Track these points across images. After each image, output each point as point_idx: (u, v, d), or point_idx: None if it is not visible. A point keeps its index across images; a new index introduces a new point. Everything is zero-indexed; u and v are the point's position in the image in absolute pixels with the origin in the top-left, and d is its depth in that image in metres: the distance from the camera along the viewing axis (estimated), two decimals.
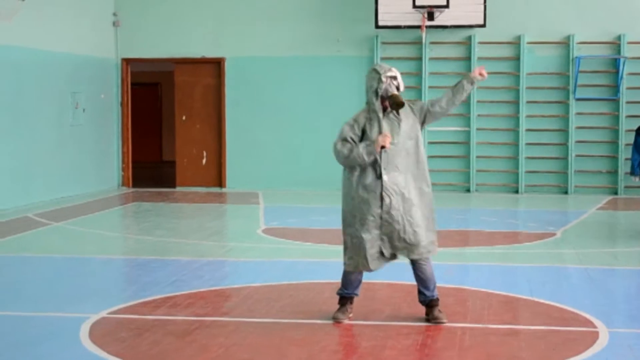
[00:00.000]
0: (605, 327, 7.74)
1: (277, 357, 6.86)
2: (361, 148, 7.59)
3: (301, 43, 19.52)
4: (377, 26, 18.65)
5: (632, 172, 12.89)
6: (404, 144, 7.71)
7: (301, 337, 7.41)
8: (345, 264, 7.86)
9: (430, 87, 18.93)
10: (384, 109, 7.71)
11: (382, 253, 7.69)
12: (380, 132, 7.63)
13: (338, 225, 13.85)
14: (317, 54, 19.48)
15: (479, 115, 18.99)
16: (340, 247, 10.73)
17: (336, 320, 7.78)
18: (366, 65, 19.14)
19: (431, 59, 19.18)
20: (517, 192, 19.00)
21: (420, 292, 7.85)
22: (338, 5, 19.34)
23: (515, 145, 19.01)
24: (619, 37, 18.69)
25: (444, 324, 7.72)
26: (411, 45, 19.22)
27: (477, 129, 18.99)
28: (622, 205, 17.36)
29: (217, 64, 19.80)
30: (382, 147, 7.54)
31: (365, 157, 7.59)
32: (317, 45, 19.48)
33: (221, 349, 7.05)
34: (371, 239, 7.64)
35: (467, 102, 19.05)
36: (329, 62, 19.44)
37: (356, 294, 7.93)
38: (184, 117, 20.08)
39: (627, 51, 18.61)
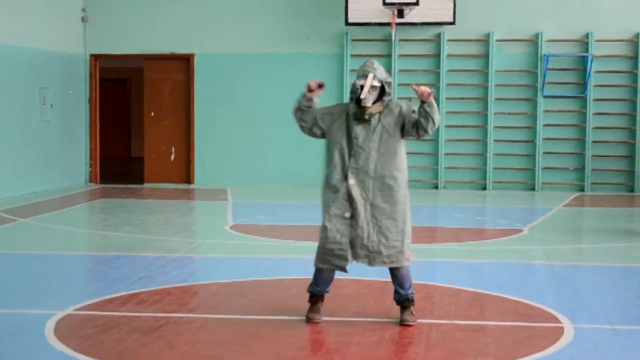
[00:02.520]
0: (570, 322, 7.79)
1: (244, 353, 6.85)
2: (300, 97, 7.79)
3: (271, 39, 19.49)
4: (347, 23, 18.66)
5: None
6: (379, 147, 7.54)
7: (268, 333, 7.40)
8: (315, 260, 7.75)
9: (399, 84, 18.96)
10: (362, 112, 7.51)
11: (337, 257, 7.54)
12: (350, 134, 7.55)
13: (307, 221, 14.02)
14: (286, 51, 19.47)
15: (447, 112, 19.04)
16: (308, 244, 10.76)
17: (310, 320, 7.66)
18: (336, 62, 19.23)
19: (400, 56, 19.20)
20: (484, 188, 19.09)
21: (395, 290, 7.74)
22: (308, 2, 19.33)
23: (484, 142, 19.10)
24: (587, 35, 18.81)
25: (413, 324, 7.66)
26: (381, 43, 19.24)
27: (446, 126, 19.04)
28: (588, 201, 17.48)
29: (186, 60, 19.74)
30: (312, 89, 7.63)
31: (300, 99, 7.77)
32: (287, 41, 19.46)
33: (187, 345, 7.02)
34: (326, 237, 7.54)
35: (435, 99, 19.05)
36: (298, 59, 19.43)
37: (327, 291, 7.84)
38: (152, 113, 20.00)
39: (594, 49, 18.73)
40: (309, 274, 8.02)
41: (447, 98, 19.09)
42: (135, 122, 26.49)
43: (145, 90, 20.15)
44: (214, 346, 7.02)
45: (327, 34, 19.37)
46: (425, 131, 7.52)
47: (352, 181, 7.53)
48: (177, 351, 6.86)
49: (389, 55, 19.18)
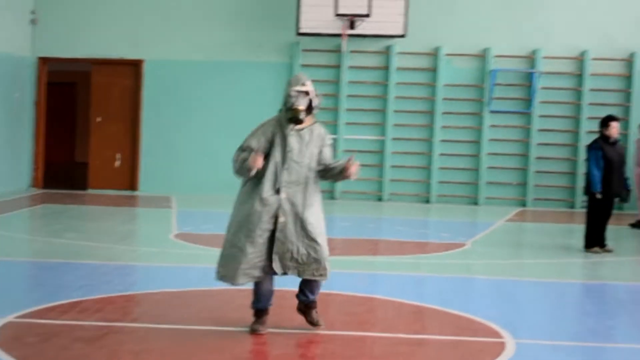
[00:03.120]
0: (512, 337, 7.87)
1: None
2: (243, 162, 7.49)
3: (221, 47, 19.47)
4: (299, 33, 18.72)
5: (593, 188, 12.94)
6: (310, 163, 7.61)
7: (212, 344, 7.39)
8: (217, 271, 7.71)
9: (348, 95, 19.07)
10: (296, 112, 7.55)
11: (262, 270, 7.53)
12: (284, 148, 7.56)
13: None
14: (237, 59, 19.45)
15: (394, 125, 19.17)
16: None
17: (254, 331, 7.65)
18: (286, 71, 19.26)
19: (350, 67, 19.30)
20: (428, 201, 19.23)
21: (302, 292, 7.77)
22: (260, 10, 19.35)
23: (429, 155, 19.25)
24: (534, 52, 19.08)
25: (321, 327, 7.74)
26: (331, 53, 19.33)
27: (393, 139, 19.17)
28: (530, 217, 17.70)
29: (135, 66, 19.64)
30: (253, 169, 7.43)
31: (247, 172, 7.48)
32: (238, 50, 19.46)
33: (131, 355, 6.98)
34: (252, 253, 7.48)
35: (383, 111, 19.23)
36: (248, 68, 19.43)
37: (270, 305, 7.84)
38: (99, 119, 19.86)
39: (541, 65, 18.99)
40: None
41: (394, 111, 19.21)
42: (81, 126, 26.17)
43: (93, 95, 20.00)
44: (158, 356, 6.99)
45: (278, 43, 19.41)
46: (325, 180, 7.82)
47: (283, 195, 7.54)
48: None
49: (339, 66, 19.28)
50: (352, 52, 19.24)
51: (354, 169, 7.66)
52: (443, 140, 19.21)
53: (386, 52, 19.34)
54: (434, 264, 11.85)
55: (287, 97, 7.59)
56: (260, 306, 7.77)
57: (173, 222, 14.95)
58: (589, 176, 13.03)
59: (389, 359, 7.18)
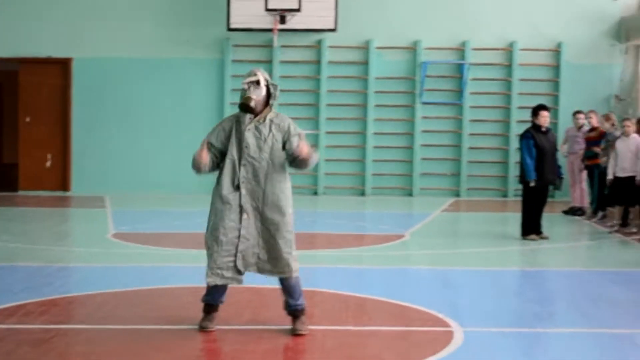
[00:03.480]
0: (460, 326, 7.95)
1: None
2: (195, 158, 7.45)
3: (151, 44, 19.29)
4: (229, 29, 18.63)
5: (527, 177, 13.09)
6: (271, 157, 7.53)
7: (161, 343, 7.32)
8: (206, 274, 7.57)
9: (280, 90, 18.97)
10: (247, 100, 7.45)
11: (231, 270, 7.47)
12: (240, 144, 7.49)
13: (190, 229, 13.93)
14: (167, 56, 19.30)
15: (327, 119, 19.21)
16: (195, 252, 10.72)
17: (203, 328, 7.60)
18: (217, 67, 19.19)
19: (282, 62, 19.28)
20: (363, 194, 19.32)
21: (285, 301, 7.71)
22: (189, 7, 19.21)
23: (362, 148, 19.32)
24: (463, 44, 19.27)
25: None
26: (262, 48, 19.30)
27: (326, 132, 19.20)
28: (464, 206, 17.89)
29: (64, 64, 19.35)
30: (201, 163, 7.40)
31: (196, 167, 7.47)
32: (168, 47, 19.30)
33: (80, 357, 6.89)
34: (221, 252, 7.43)
35: (316, 105, 19.27)
36: (179, 64, 19.30)
37: (222, 302, 7.78)
38: (28, 119, 19.54)
39: (470, 57, 19.20)
40: (198, 282, 7.96)
41: (327, 104, 19.25)
42: (8, 127, 25.72)
43: (21, 95, 19.65)
44: (108, 357, 6.90)
45: (208, 39, 19.30)
46: (297, 169, 7.76)
47: (243, 191, 7.49)
48: None
49: (270, 61, 19.24)
50: (283, 46, 19.22)
51: (304, 149, 7.54)
52: (376, 133, 19.31)
53: (317, 47, 19.37)
54: (375, 256, 11.91)
55: (241, 90, 7.53)
56: (211, 301, 7.71)
57: (109, 221, 14.77)
58: (522, 165, 13.22)
59: (341, 351, 7.20)
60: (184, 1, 19.24)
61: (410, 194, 19.33)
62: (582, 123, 16.21)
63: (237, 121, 7.58)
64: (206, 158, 7.48)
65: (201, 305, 7.80)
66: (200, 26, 19.23)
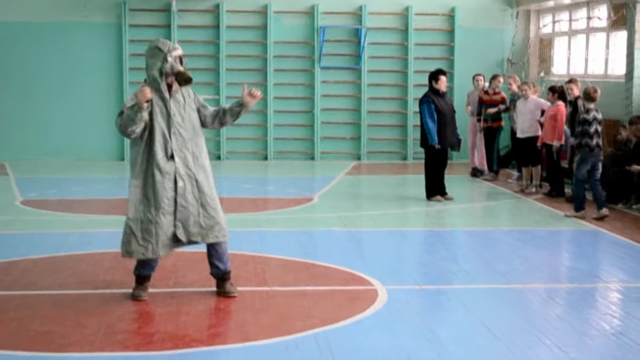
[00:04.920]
0: (382, 284, 8.23)
1: (76, 327, 6.82)
2: (127, 110, 7.34)
3: (47, 8, 18.90)
4: None
5: (431, 140, 13.33)
6: (192, 124, 7.65)
7: (94, 307, 7.39)
8: (128, 252, 7.49)
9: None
10: (169, 88, 7.58)
11: (175, 239, 7.54)
12: (168, 113, 7.52)
13: (100, 195, 13.88)
14: (63, 20, 18.96)
15: (227, 84, 19.22)
16: (109, 217, 10.71)
17: (136, 297, 7.63)
18: (114, 31, 18.97)
19: (180, 27, 19.18)
20: (266, 158, 19.44)
21: (213, 265, 7.80)
22: None
23: (264, 113, 19.40)
24: (360, 8, 19.49)
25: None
26: (159, 13, 19.14)
27: (227, 97, 19.18)
28: (366, 170, 18.18)
29: None
30: (147, 100, 7.32)
31: (135, 115, 7.29)
32: (64, 11, 18.95)
33: (14, 322, 6.93)
34: (165, 223, 7.46)
35: (216, 70, 19.26)
36: (76, 28, 18.98)
37: (153, 272, 7.83)
38: None
39: (368, 21, 19.44)
40: (116, 247, 7.88)
41: (227, 69, 19.26)
42: None
43: None
44: (43, 322, 6.94)
45: (104, 3, 19.03)
46: (223, 125, 7.99)
47: (177, 159, 7.54)
48: (5, 329, 6.75)
49: (169, 26, 19.12)
50: (180, 11, 19.10)
51: (257, 92, 7.78)
52: (277, 98, 19.40)
53: (215, 11, 19.31)
54: (288, 219, 12.08)
55: (163, 62, 7.51)
56: (145, 272, 7.77)
57: (14, 188, 14.54)
58: (424, 129, 13.52)
59: (272, 311, 7.39)
60: None
61: (312, 158, 19.53)
62: (482, 85, 16.60)
63: (155, 93, 7.55)
64: (150, 94, 7.35)
65: (124, 270, 7.87)
66: None
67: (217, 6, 19.24)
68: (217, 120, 7.83)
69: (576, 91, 13.78)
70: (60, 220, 11.72)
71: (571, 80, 14.08)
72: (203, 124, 7.81)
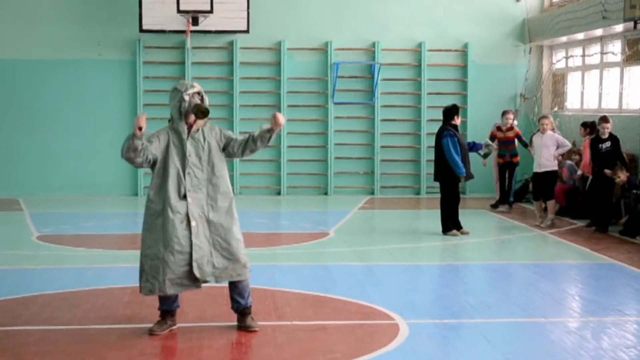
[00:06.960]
0: (403, 319, 8.19)
1: None
2: (127, 138, 7.40)
3: (61, 46, 19.04)
4: (141, 30, 18.53)
5: (459, 173, 13.32)
6: (210, 165, 7.67)
7: (114, 341, 7.37)
8: (140, 287, 7.57)
9: None
10: (189, 129, 7.63)
11: (192, 277, 7.54)
12: (184, 153, 7.56)
13: (114, 230, 13.88)
14: (77, 57, 19.08)
15: (241, 119, 19.27)
16: (125, 253, 10.72)
17: (151, 332, 7.61)
18: (129, 68, 19.07)
19: (194, 63, 19.27)
20: (279, 193, 19.45)
21: (233, 300, 7.82)
22: (100, 7, 19.03)
23: (278, 148, 19.44)
24: (373, 44, 19.58)
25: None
26: (174, 50, 19.24)
27: (240, 133, 19.18)
28: (379, 204, 18.16)
29: None
30: (140, 127, 7.28)
31: (127, 142, 7.33)
32: (78, 48, 19.08)
33: (36, 357, 6.90)
34: (175, 262, 7.47)
35: (229, 106, 19.33)
36: (90, 66, 19.10)
37: (177, 306, 7.84)
38: None
39: (381, 57, 19.52)
40: (132, 282, 7.90)
41: (240, 105, 19.32)
42: None
43: None
44: (64, 357, 6.92)
45: (119, 40, 19.15)
46: (254, 152, 7.85)
47: (190, 200, 7.55)
48: None
49: (183, 63, 19.21)
50: (194, 48, 19.20)
51: (280, 117, 7.67)
52: (290, 133, 19.45)
53: (229, 48, 19.42)
54: (306, 253, 12.05)
55: (181, 101, 7.55)
56: (165, 308, 7.76)
57: (29, 224, 14.56)
58: (439, 163, 13.53)
59: (294, 345, 7.35)
60: (95, 2, 19.05)
61: (325, 193, 19.54)
62: (511, 123, 16.67)
63: (174, 132, 7.61)
64: (144, 122, 7.31)
65: (143, 305, 7.85)
66: (112, 27, 19.06)
67: (231, 43, 19.34)
68: (247, 148, 7.78)
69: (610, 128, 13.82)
70: (76, 255, 11.72)
71: (604, 119, 13.99)
72: (231, 155, 7.79)
